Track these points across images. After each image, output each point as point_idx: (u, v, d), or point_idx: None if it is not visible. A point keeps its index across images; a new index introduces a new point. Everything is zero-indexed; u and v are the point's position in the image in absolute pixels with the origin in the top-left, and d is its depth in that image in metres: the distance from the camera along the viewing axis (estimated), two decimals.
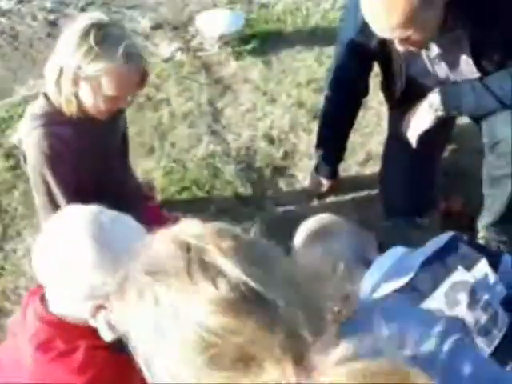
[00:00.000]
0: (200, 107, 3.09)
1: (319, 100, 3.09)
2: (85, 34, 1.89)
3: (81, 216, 1.46)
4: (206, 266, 0.96)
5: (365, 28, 2.14)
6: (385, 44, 2.16)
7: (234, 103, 3.13)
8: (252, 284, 0.94)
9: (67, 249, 1.42)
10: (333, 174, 2.68)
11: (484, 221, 2.41)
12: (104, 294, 1.44)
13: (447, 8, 1.94)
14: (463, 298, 1.64)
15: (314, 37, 3.48)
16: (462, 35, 2.05)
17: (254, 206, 2.68)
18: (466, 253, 1.72)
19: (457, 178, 2.75)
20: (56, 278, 1.45)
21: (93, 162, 2.09)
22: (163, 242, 1.01)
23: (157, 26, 3.56)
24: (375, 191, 2.70)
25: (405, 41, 1.96)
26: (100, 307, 1.44)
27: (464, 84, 2.18)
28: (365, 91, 2.45)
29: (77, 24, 1.93)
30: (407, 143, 2.39)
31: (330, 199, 2.71)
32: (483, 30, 1.99)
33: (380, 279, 1.71)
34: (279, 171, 2.83)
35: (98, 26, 1.90)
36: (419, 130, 2.27)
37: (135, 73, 1.97)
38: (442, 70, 2.22)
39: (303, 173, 2.81)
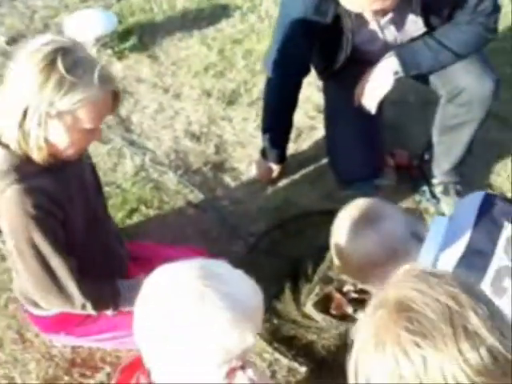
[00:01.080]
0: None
1: (224, 85, 3.01)
2: (50, 63, 1.57)
3: (195, 274, 1.26)
4: (470, 335, 0.97)
5: (320, 5, 2.09)
6: (339, 18, 2.12)
7: (137, 107, 2.91)
8: (503, 351, 0.98)
9: (193, 315, 1.23)
10: (282, 158, 2.61)
11: (443, 167, 2.51)
12: (241, 353, 1.29)
13: None
14: None
15: (188, 20, 3.33)
16: None
17: (211, 209, 2.53)
18: (505, 208, 1.78)
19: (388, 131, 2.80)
20: (180, 351, 1.26)
21: (77, 207, 1.81)
22: (424, 301, 0.98)
23: (12, 40, 3.16)
24: (322, 163, 2.68)
25: (379, 11, 1.93)
26: (235, 369, 1.29)
27: (417, 43, 2.22)
28: (308, 68, 2.39)
29: (32, 52, 1.60)
30: (349, 110, 2.40)
31: (283, 183, 2.64)
32: None
33: (438, 252, 1.72)
34: (219, 167, 2.69)
35: (64, 51, 1.60)
36: (379, 95, 2.28)
37: (110, 97, 1.72)
38: (390, 33, 2.23)
39: (243, 163, 2.71)
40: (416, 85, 2.62)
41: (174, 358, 1.26)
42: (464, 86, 2.23)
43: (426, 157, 2.58)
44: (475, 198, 1.83)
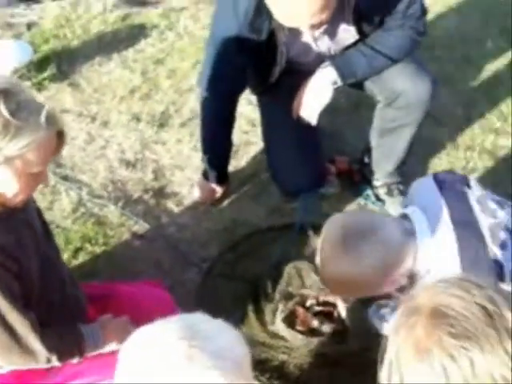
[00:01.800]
0: None
1: (152, 108, 2.94)
2: None
3: (178, 335, 1.19)
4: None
5: (254, 23, 2.07)
6: (273, 33, 2.11)
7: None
8: None
9: (183, 378, 1.16)
10: (224, 177, 2.56)
11: (385, 168, 2.54)
12: None
13: None
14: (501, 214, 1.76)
15: (106, 44, 3.22)
16: (346, 4, 2.08)
17: (159, 238, 2.45)
18: (455, 177, 1.87)
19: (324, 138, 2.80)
20: None
21: (30, 254, 1.69)
22: (462, 306, 0.99)
23: None
24: (263, 177, 2.66)
25: (316, 24, 1.92)
26: None
27: (351, 52, 2.23)
28: (244, 85, 2.36)
29: None
30: (288, 122, 2.40)
31: (228, 202, 2.60)
32: None
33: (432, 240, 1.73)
34: (160, 194, 2.61)
35: (4, 94, 1.50)
36: (320, 106, 2.27)
37: (55, 137, 1.63)
38: (324, 43, 2.23)
39: (184, 186, 2.64)
40: (346, 90, 2.64)
41: None
42: (401, 90, 2.25)
43: (366, 160, 2.60)
44: (428, 182, 1.86)
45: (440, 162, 2.76)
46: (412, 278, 1.72)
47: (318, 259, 1.76)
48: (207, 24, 3.33)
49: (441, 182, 1.82)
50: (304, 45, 2.23)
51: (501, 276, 1.65)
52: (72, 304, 1.93)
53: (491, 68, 3.21)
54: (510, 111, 2.98)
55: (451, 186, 1.80)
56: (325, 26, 2.13)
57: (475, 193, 1.79)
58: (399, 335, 1.05)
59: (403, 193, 2.57)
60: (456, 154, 2.79)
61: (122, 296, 2.11)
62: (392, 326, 1.09)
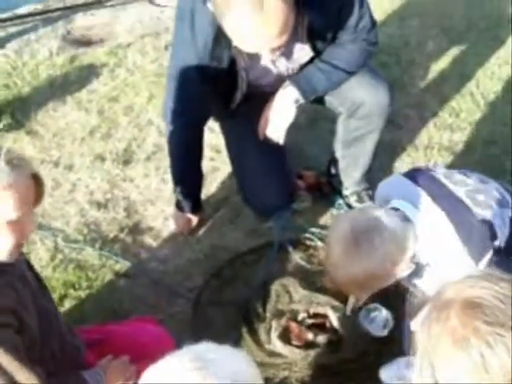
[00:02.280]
0: None
1: (114, 146, 2.95)
2: None
3: (190, 366, 1.21)
4: None
5: (214, 52, 2.11)
6: (234, 61, 2.15)
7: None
8: None
9: None
10: (198, 206, 2.59)
11: (354, 177, 2.61)
12: None
13: None
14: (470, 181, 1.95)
15: (57, 88, 3.22)
16: (300, 24, 2.14)
17: (142, 274, 2.44)
18: (420, 171, 2.02)
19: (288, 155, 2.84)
20: None
21: (28, 307, 1.68)
22: (492, 296, 1.07)
23: None
24: (235, 201, 2.69)
25: (276, 48, 1.98)
26: None
27: (309, 69, 2.29)
28: (209, 113, 2.39)
29: None
30: (254, 144, 2.45)
31: (204, 230, 2.62)
32: (320, 14, 2.11)
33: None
34: (135, 230, 2.61)
35: None
36: (285, 125, 2.32)
37: (29, 181, 1.62)
38: (282, 64, 2.29)
39: (158, 219, 2.65)
40: (303, 106, 2.70)
41: None
42: (362, 100, 2.33)
43: (333, 171, 2.67)
44: (396, 178, 2.05)
45: (402, 164, 2.84)
46: (417, 263, 1.82)
47: (329, 263, 1.82)
48: (156, 57, 3.38)
49: (409, 176, 1.97)
50: (263, 68, 2.28)
51: (494, 233, 1.81)
52: (73, 353, 1.91)
53: (436, 68, 3.34)
54: (461, 106, 3.11)
55: (419, 175, 1.94)
56: (282, 48, 2.19)
57: (440, 171, 1.97)
58: (432, 329, 1.11)
59: (373, 198, 2.64)
60: (416, 154, 2.88)
61: (118, 337, 2.10)
62: (421, 323, 1.15)
